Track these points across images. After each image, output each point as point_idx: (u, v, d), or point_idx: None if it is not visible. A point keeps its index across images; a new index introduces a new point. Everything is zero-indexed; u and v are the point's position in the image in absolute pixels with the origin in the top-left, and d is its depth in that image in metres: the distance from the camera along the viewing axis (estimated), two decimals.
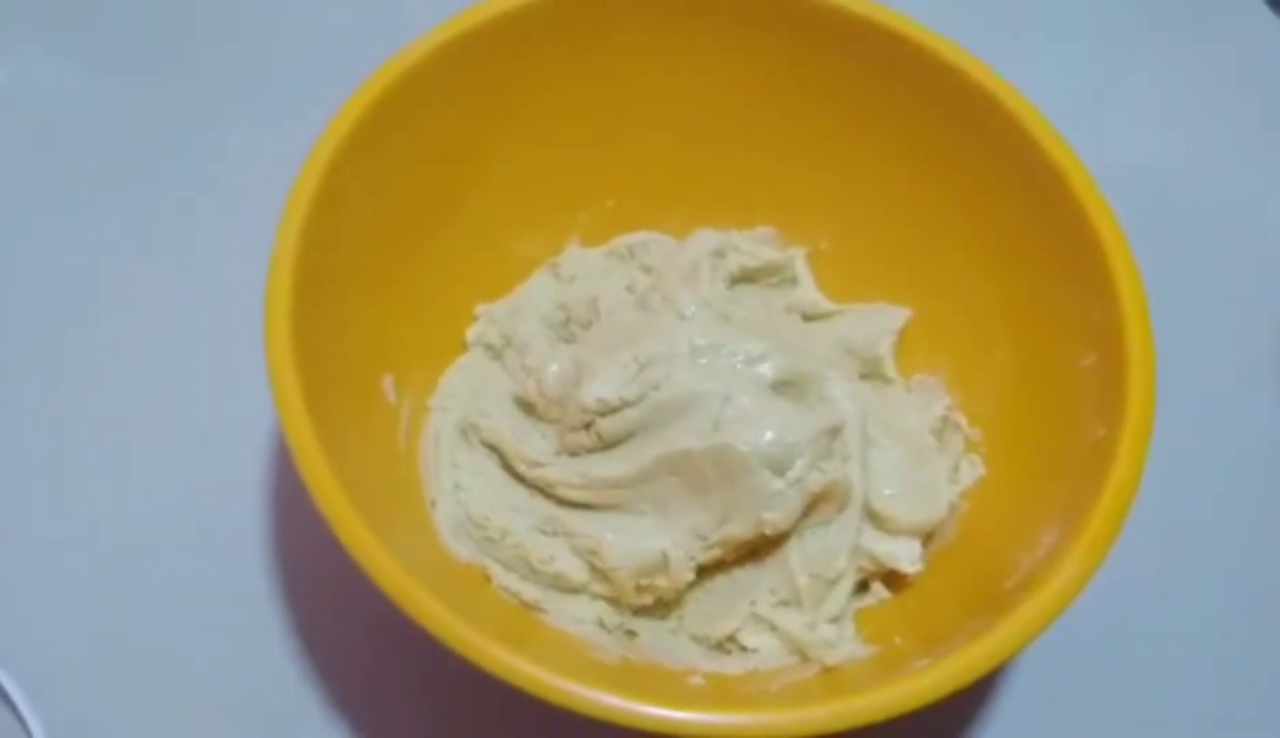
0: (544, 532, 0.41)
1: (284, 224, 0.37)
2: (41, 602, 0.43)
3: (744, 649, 0.40)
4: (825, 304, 0.48)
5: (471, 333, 0.47)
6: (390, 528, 0.35)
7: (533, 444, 0.42)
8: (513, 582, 0.40)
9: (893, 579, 0.42)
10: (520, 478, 0.42)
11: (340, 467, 0.34)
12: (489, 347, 0.46)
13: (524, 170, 0.47)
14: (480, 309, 0.47)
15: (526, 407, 0.43)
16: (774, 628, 0.40)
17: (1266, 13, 0.65)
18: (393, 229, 0.43)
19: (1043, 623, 0.33)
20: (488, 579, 0.40)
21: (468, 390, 0.45)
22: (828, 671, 0.38)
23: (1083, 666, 0.43)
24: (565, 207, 0.49)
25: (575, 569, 0.40)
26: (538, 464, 0.42)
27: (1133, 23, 0.65)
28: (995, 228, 0.44)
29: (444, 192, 0.45)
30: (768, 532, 0.39)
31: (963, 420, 0.45)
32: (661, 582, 0.39)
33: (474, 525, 0.41)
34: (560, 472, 0.41)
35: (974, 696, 0.43)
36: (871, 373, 0.46)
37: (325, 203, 0.38)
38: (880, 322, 0.47)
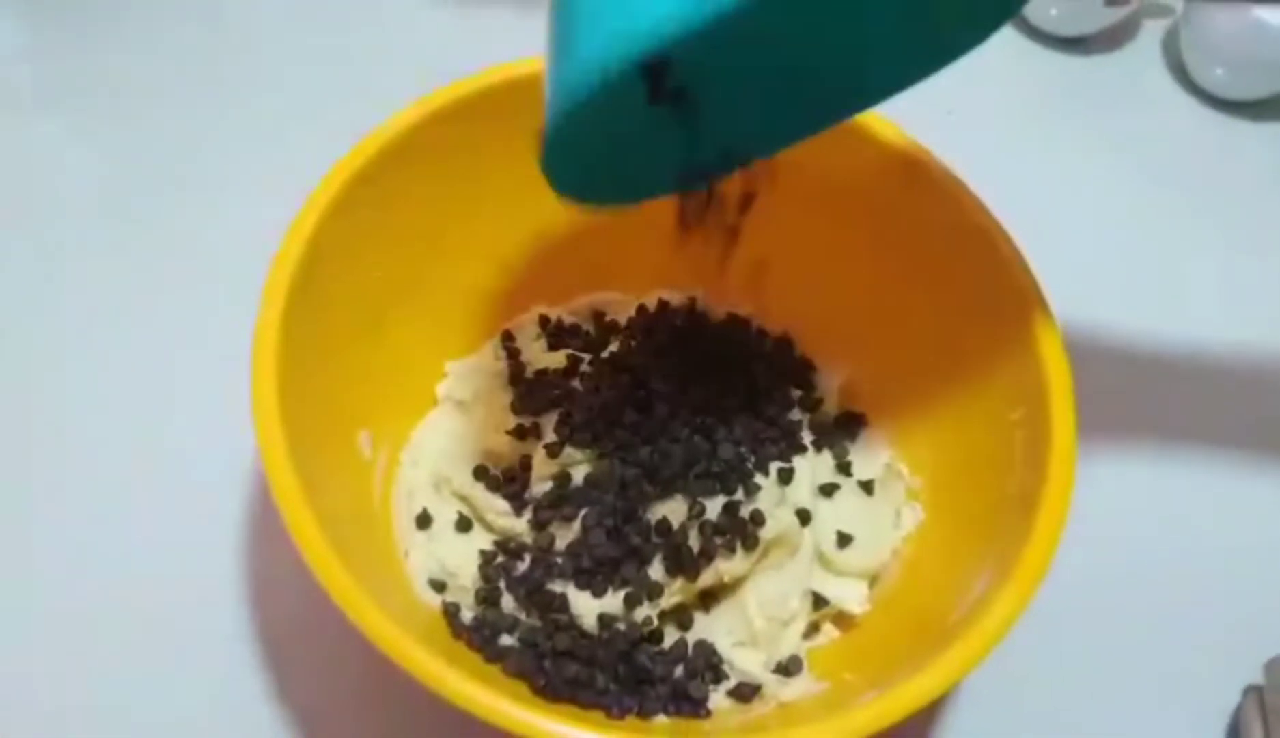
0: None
1: (266, 297, 0.39)
2: (6, 635, 0.44)
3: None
4: None
5: (442, 388, 0.48)
6: (372, 580, 0.36)
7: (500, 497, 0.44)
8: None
9: (841, 620, 0.45)
10: (490, 528, 0.44)
11: (322, 518, 0.35)
12: (459, 402, 0.48)
13: (488, 241, 0.49)
14: (450, 366, 0.49)
15: (495, 459, 0.45)
16: (732, 667, 0.42)
17: (1176, 88, 0.69)
18: (366, 296, 0.45)
19: (977, 657, 0.35)
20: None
21: (439, 444, 0.46)
22: (782, 706, 0.40)
23: (1017, 694, 0.46)
24: (527, 272, 0.51)
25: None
26: (506, 515, 0.44)
27: (1054, 100, 0.69)
28: (932, 288, 0.46)
29: (412, 262, 0.47)
30: (726, 579, 0.42)
31: (904, 470, 0.47)
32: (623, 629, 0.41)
33: (445, 574, 0.43)
34: (525, 524, 0.44)
35: (918, 723, 0.45)
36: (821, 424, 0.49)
37: (307, 266, 0.40)
38: (828, 377, 0.50)
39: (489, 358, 0.49)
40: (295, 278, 0.40)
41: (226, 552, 0.46)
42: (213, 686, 0.43)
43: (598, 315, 0.51)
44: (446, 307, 0.49)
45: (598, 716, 0.40)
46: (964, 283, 0.45)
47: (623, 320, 0.50)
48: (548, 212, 0.48)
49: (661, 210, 0.48)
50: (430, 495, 0.45)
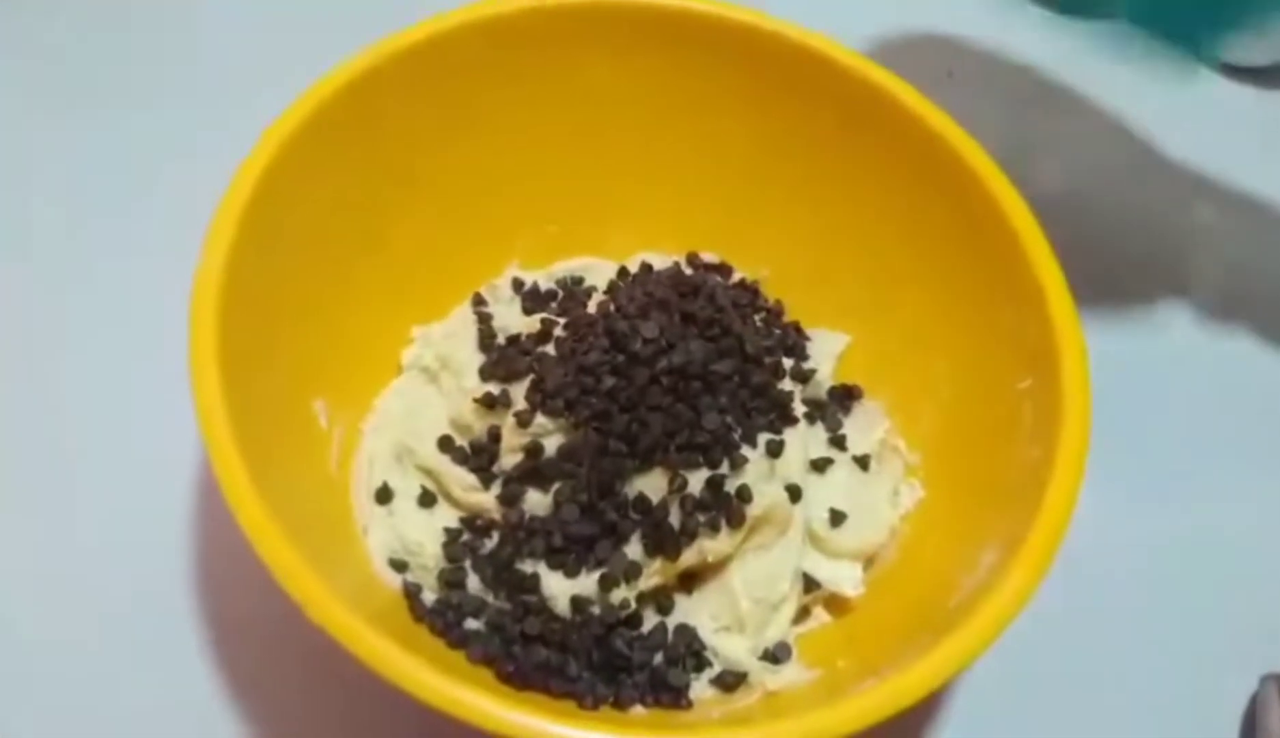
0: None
1: (209, 247, 0.36)
2: None
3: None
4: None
5: (407, 355, 0.46)
6: (325, 559, 0.34)
7: (467, 470, 0.42)
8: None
9: (834, 604, 0.42)
10: (455, 503, 0.42)
11: (266, 490, 0.33)
12: (424, 369, 0.45)
13: (460, 194, 0.47)
14: (416, 331, 0.46)
15: (463, 430, 0.42)
16: (716, 654, 0.39)
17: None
18: (325, 251, 0.42)
19: (984, 641, 0.33)
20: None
21: (403, 414, 0.44)
22: (769, 695, 0.38)
23: (1024, 683, 0.43)
24: (503, 231, 0.48)
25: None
26: (474, 489, 0.41)
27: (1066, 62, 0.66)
28: (935, 253, 0.44)
29: (377, 213, 0.44)
30: (710, 559, 0.39)
31: (902, 444, 0.45)
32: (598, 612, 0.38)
33: (407, 552, 0.40)
34: (493, 499, 0.41)
35: (917, 715, 0.43)
36: (813, 397, 0.46)
37: (253, 225, 0.37)
38: (821, 347, 0.47)
39: (459, 323, 0.46)
40: (244, 223, 0.37)
41: (177, 534, 0.44)
42: (167, 673, 0.41)
43: (576, 281, 0.48)
44: (414, 267, 0.46)
45: (569, 706, 0.37)
46: (967, 243, 0.43)
47: (603, 286, 0.47)
48: (527, 167, 0.47)
49: (636, 182, 0.48)
50: (391, 468, 0.42)
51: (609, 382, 0.39)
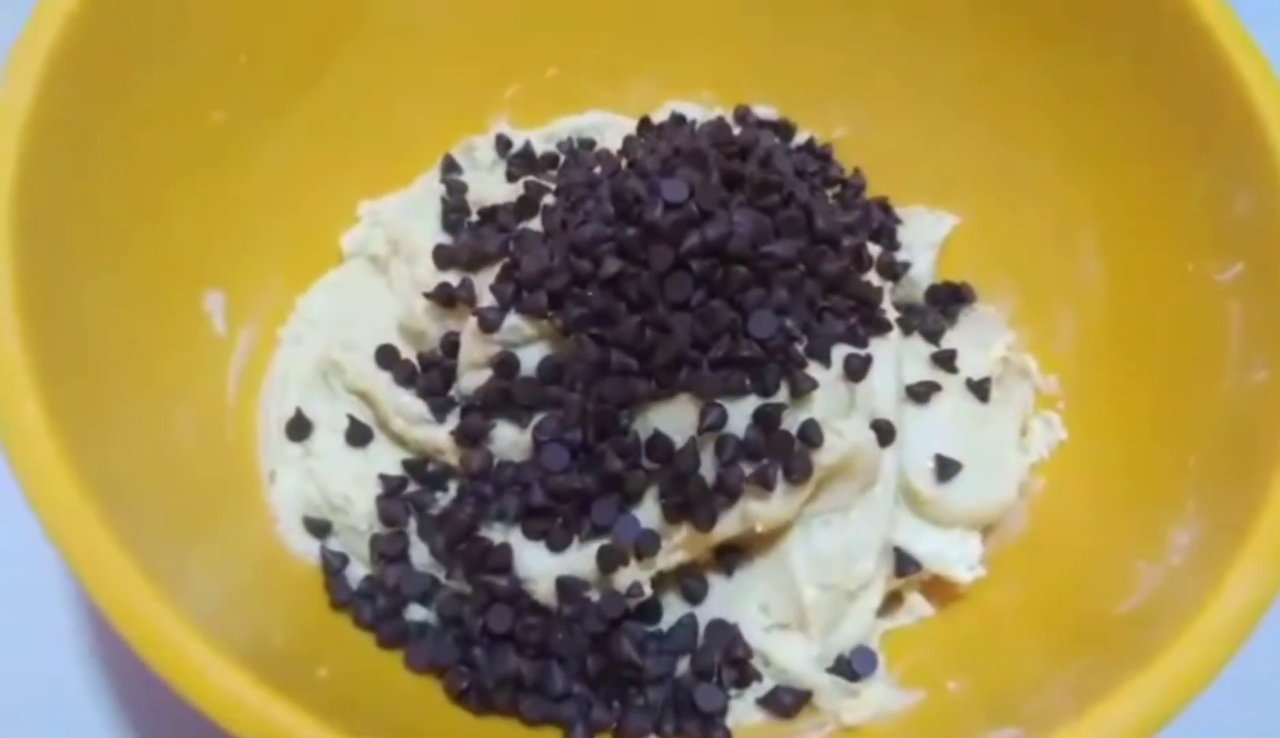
0: None
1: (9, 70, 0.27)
2: None
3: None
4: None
5: (349, 238, 0.37)
6: (181, 531, 0.26)
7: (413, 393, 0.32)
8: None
9: (938, 590, 0.34)
10: (397, 440, 0.32)
11: (72, 427, 0.24)
12: (373, 257, 0.36)
13: (429, 19, 0.37)
14: (364, 208, 0.37)
15: (413, 339, 0.32)
16: (767, 663, 0.30)
17: None
18: (225, 82, 0.32)
19: (1201, 679, 0.23)
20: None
21: (334, 317, 0.34)
22: (848, 733, 0.29)
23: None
24: (487, 75, 0.39)
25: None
26: (422, 421, 0.31)
27: None
28: (1088, 96, 0.35)
29: (307, 33, 0.34)
30: (759, 528, 0.29)
31: (1032, 364, 0.35)
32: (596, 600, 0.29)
33: (330, 508, 0.31)
34: (448, 436, 0.31)
35: None
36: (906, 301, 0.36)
37: (88, 34, 0.27)
38: (917, 232, 0.38)
39: (421, 195, 0.37)
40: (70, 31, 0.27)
41: None
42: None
43: (585, 143, 0.39)
44: (361, 116, 0.36)
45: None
46: (1139, 78, 0.32)
47: (617, 147, 0.36)
48: None
49: (664, 9, 0.39)
50: (313, 390, 0.33)
51: (612, 265, 0.29)
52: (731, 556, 0.31)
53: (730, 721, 0.29)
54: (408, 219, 0.35)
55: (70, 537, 0.22)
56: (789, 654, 0.30)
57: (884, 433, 0.31)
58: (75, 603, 0.34)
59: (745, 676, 0.30)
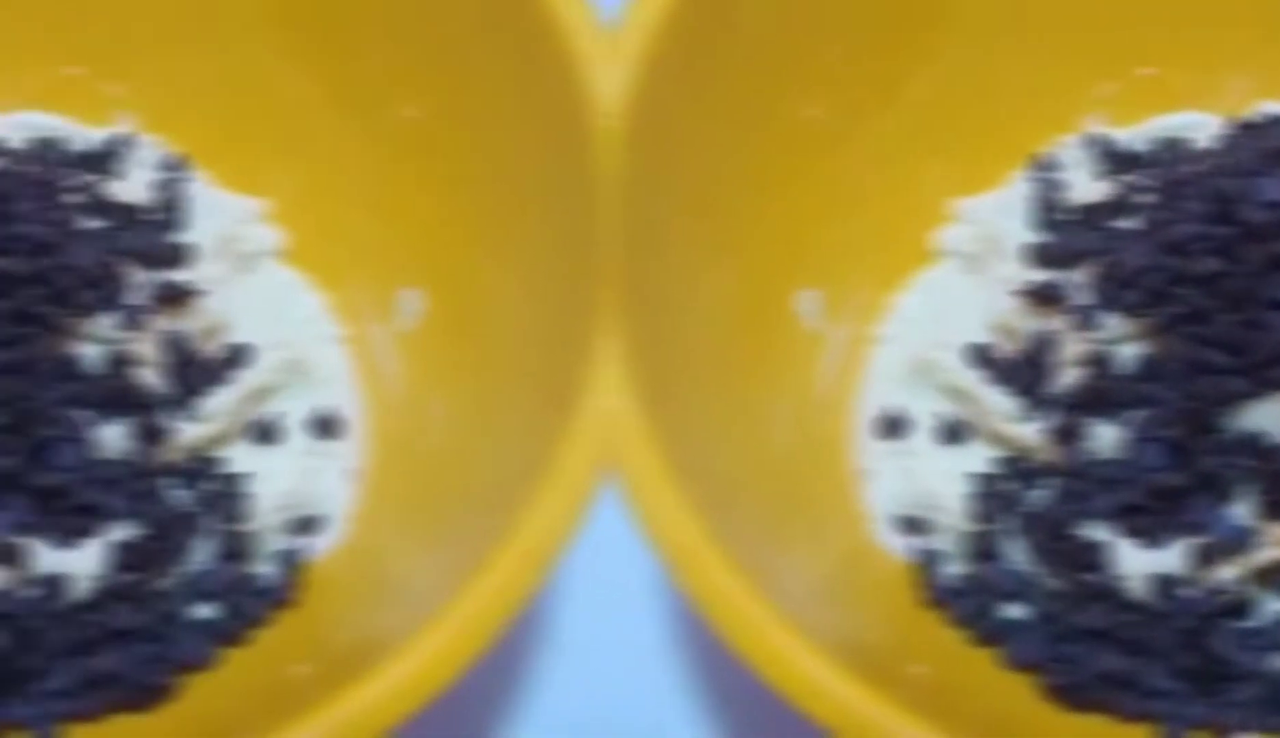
0: None
1: None
2: None
3: None
4: None
5: (944, 236, 0.35)
6: (775, 525, 0.27)
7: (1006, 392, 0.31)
8: None
9: None
10: (992, 438, 0.31)
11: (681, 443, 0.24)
12: (966, 256, 0.35)
13: (1019, 16, 0.35)
14: (959, 206, 0.36)
15: (1005, 336, 0.32)
16: None
17: None
18: (820, 79, 0.32)
19: None
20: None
21: (929, 313, 0.34)
22: None
23: None
24: (1078, 74, 0.36)
25: None
26: (1015, 419, 0.31)
27: None
28: None
29: (902, 35, 0.34)
30: None
31: None
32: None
33: (921, 506, 0.31)
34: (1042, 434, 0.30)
35: None
36: None
37: None
38: None
39: (1013, 196, 0.35)
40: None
41: None
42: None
43: (1175, 143, 0.35)
44: (955, 113, 0.35)
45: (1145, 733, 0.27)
46: None
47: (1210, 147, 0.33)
48: None
49: None
50: (906, 388, 0.33)
51: (1209, 264, 0.26)
52: None
53: None
54: (999, 217, 0.35)
55: (665, 533, 0.23)
56: None
57: None
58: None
59: None
